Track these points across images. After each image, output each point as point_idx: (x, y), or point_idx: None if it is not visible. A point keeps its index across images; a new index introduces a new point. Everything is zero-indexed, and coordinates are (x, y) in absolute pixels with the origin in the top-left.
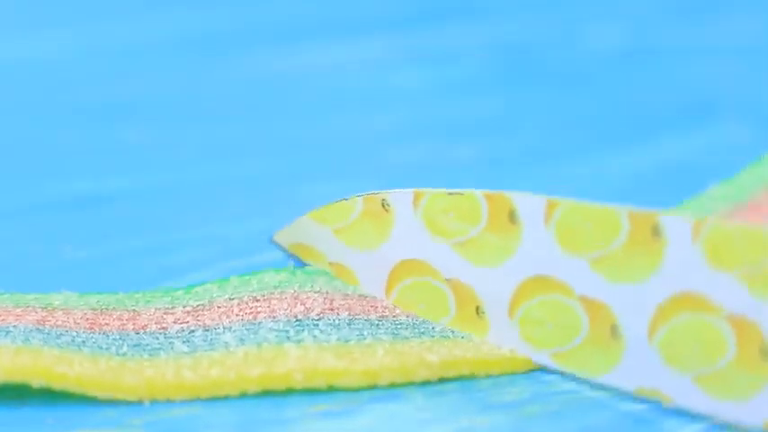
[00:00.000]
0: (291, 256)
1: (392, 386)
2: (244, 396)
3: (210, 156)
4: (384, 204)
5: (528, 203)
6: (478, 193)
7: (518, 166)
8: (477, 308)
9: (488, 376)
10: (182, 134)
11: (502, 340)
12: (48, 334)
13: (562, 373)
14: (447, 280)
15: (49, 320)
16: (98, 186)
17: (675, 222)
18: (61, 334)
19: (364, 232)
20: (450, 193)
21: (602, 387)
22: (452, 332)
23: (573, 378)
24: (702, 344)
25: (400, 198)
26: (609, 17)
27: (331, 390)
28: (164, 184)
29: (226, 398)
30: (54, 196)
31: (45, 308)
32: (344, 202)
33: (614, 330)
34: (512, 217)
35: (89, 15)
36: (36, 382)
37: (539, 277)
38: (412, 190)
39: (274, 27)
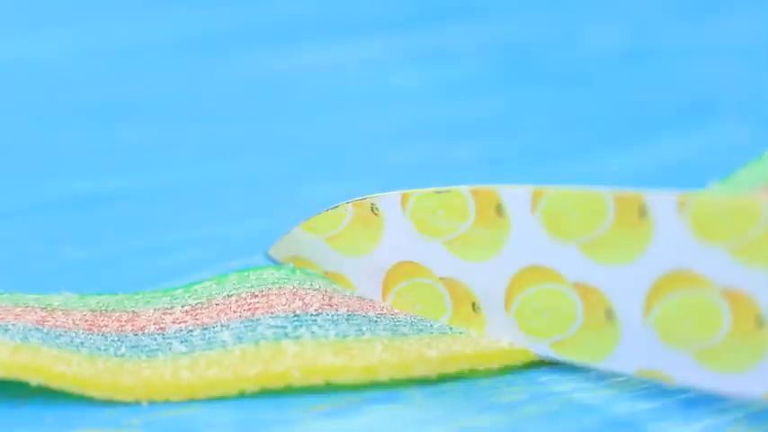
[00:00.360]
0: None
1: (392, 386)
2: (244, 396)
3: (210, 156)
4: (373, 208)
5: (514, 195)
6: (465, 189)
7: (518, 166)
8: (473, 304)
9: (488, 372)
10: (182, 134)
11: (500, 334)
12: (47, 334)
13: (562, 363)
14: (441, 279)
15: (48, 321)
16: (98, 186)
17: (660, 200)
18: (60, 334)
19: (356, 238)
20: (437, 192)
21: (601, 388)
22: (450, 329)
23: (571, 378)
24: (698, 319)
25: (388, 201)
26: (609, 17)
27: (330, 387)
28: (164, 184)
29: (226, 397)
30: (54, 196)
31: (45, 308)
32: (334, 210)
33: (609, 314)
34: (499, 210)
35: (89, 15)
36: (34, 379)
37: (531, 267)
38: (399, 192)
39: (274, 27)
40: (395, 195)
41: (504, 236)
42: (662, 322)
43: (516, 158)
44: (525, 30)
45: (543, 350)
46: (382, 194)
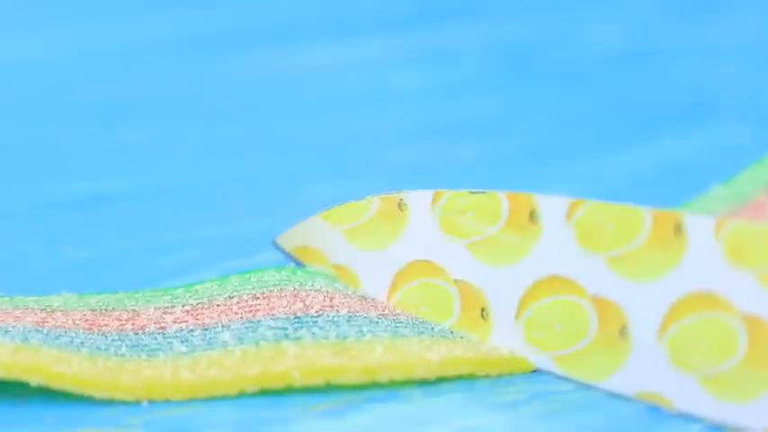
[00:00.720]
0: (293, 259)
1: (392, 385)
2: (244, 395)
3: (210, 156)
4: (400, 205)
5: (550, 203)
6: (501, 193)
7: (518, 166)
8: (483, 309)
9: (487, 376)
10: (182, 134)
11: (504, 343)
12: (47, 334)
13: (561, 377)
14: (455, 281)
15: (48, 322)
16: (98, 186)
17: (698, 221)
18: (60, 335)
19: (375, 233)
20: (472, 193)
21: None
22: (452, 332)
23: (572, 380)
24: (712, 343)
25: (418, 198)
26: (609, 17)
27: (330, 386)
28: (164, 184)
29: (225, 397)
30: (54, 196)
31: (44, 309)
32: (360, 201)
33: (623, 331)
34: (532, 216)
35: (89, 15)
36: (34, 380)
37: (552, 277)
38: (432, 191)
39: (274, 27)
40: (427, 193)
41: (532, 243)
42: (675, 343)
43: (516, 158)
44: (525, 30)
45: (545, 364)
46: (414, 191)
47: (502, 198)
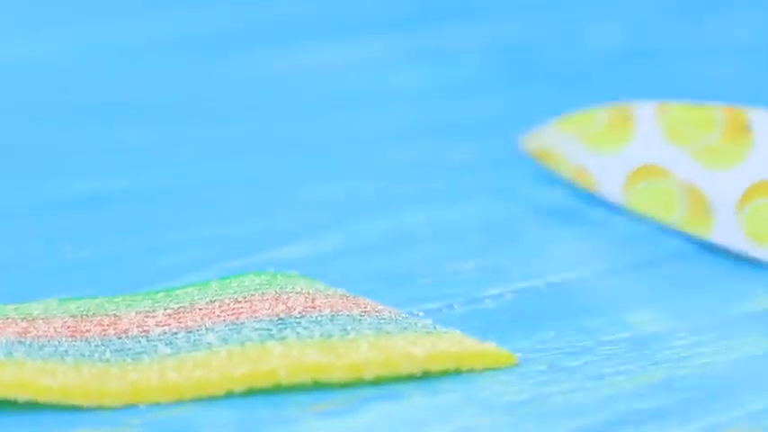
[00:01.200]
0: (536, 160)
1: (391, 385)
2: (240, 395)
3: (210, 156)
4: (628, 114)
5: (763, 116)
6: (717, 106)
7: (518, 166)
8: (706, 208)
9: (487, 371)
10: (182, 134)
11: (726, 236)
12: (30, 346)
13: (560, 364)
14: (680, 182)
15: (30, 331)
16: (98, 186)
17: None
18: (43, 345)
19: (607, 138)
20: (690, 105)
21: (601, 388)
22: (435, 327)
23: (571, 377)
24: None
25: (644, 109)
26: (609, 17)
27: (329, 386)
28: (164, 184)
29: (222, 397)
30: (54, 196)
31: (25, 318)
32: (590, 111)
33: None
34: (746, 127)
35: (89, 15)
36: (21, 396)
37: (766, 181)
38: (657, 102)
39: (274, 27)
40: (651, 106)
41: (748, 150)
42: None
43: (516, 158)
44: (525, 30)
45: (765, 255)
46: (639, 102)
47: (718, 111)
